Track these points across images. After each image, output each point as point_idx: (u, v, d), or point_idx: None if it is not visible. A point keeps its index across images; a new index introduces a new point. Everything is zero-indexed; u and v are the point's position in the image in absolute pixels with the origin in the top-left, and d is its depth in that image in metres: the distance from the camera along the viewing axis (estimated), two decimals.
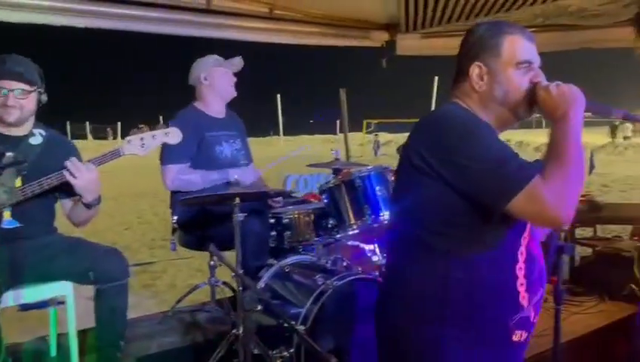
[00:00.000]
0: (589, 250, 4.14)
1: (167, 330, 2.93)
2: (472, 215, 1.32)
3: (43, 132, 2.38)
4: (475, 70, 1.42)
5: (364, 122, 28.40)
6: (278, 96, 40.00)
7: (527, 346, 1.47)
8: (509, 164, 1.25)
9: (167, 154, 2.77)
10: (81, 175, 2.12)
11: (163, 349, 2.72)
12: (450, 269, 1.34)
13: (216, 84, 2.94)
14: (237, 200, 2.15)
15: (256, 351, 2.22)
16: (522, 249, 1.37)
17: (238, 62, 3.00)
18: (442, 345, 1.35)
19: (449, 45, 5.12)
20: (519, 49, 1.41)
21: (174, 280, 5.83)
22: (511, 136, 27.73)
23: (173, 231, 2.87)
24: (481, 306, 1.34)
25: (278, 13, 4.27)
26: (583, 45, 4.89)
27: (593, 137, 25.26)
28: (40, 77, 2.32)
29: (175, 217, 2.84)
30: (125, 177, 16.63)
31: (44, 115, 2.43)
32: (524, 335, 1.40)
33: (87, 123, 42.41)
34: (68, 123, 40.97)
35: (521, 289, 1.36)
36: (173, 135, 2.27)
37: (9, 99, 2.20)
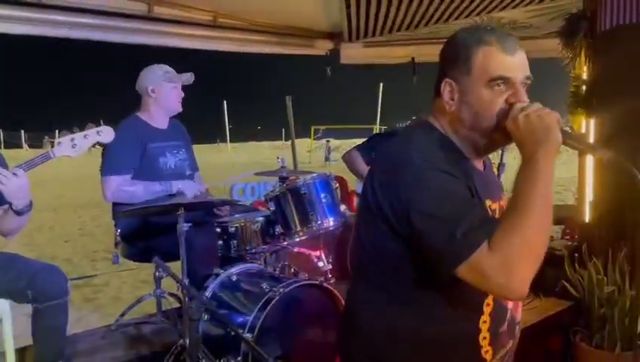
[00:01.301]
0: None
1: (110, 344, 2.86)
2: (426, 265, 1.14)
3: None
4: (445, 88, 1.22)
5: (312, 128, 28.55)
6: (225, 102, 39.76)
7: None
8: (457, 228, 1.05)
9: (108, 164, 2.72)
10: (9, 181, 2.04)
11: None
12: (402, 315, 1.22)
13: (162, 98, 2.89)
14: (181, 210, 2.14)
15: (204, 361, 2.22)
16: (489, 300, 1.21)
17: (189, 78, 2.96)
18: None
19: (391, 54, 5.30)
20: (493, 63, 1.17)
21: (118, 293, 5.67)
22: None
23: (116, 243, 2.81)
24: (435, 359, 1.22)
25: (221, 22, 4.28)
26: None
27: None
28: None
29: (118, 230, 2.78)
30: (66, 188, 16.07)
31: None
32: None
33: (22, 131, 40.72)
34: (0, 131, 39.17)
35: (484, 342, 1.22)
36: (105, 134, 2.19)
37: None
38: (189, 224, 2.26)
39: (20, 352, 2.41)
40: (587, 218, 3.51)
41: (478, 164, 1.30)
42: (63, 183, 17.22)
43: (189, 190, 2.72)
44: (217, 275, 2.40)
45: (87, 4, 3.56)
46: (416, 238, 1.12)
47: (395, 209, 1.15)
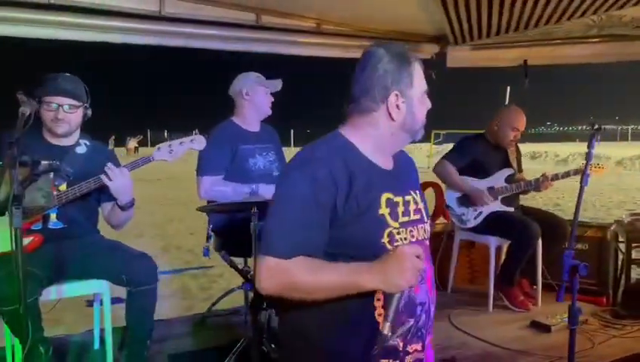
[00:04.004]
0: None
1: (200, 331, 3.10)
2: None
3: (87, 142, 2.65)
4: (392, 99, 1.44)
5: (433, 133, 27.85)
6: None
7: None
8: (277, 229, 1.37)
9: (203, 165, 2.95)
10: (116, 178, 2.35)
11: (193, 349, 2.88)
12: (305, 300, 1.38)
13: (256, 100, 3.07)
14: (254, 208, 2.26)
15: (274, 354, 2.33)
16: None
17: (278, 84, 3.13)
18: None
19: (500, 57, 5.06)
20: (421, 78, 1.49)
21: (229, 284, 6.04)
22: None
23: (208, 237, 3.03)
24: (342, 333, 1.39)
25: (325, 28, 4.39)
26: None
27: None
28: (87, 94, 2.57)
29: (210, 225, 3.00)
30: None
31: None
32: None
33: (166, 131, 44.54)
34: (148, 130, 43.18)
35: (380, 319, 1.37)
36: (198, 142, 2.47)
37: (59, 113, 2.46)
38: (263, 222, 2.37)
39: (117, 330, 2.70)
40: None
41: (386, 164, 1.53)
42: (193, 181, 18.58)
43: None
44: None
45: (202, 16, 3.85)
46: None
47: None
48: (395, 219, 1.43)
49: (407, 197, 1.50)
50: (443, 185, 3.98)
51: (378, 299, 1.37)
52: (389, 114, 1.45)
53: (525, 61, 4.96)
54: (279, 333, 1.60)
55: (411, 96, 1.46)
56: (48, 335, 2.35)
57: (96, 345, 2.85)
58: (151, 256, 2.54)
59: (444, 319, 3.40)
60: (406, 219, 1.46)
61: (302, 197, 1.35)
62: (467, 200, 3.70)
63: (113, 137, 32.08)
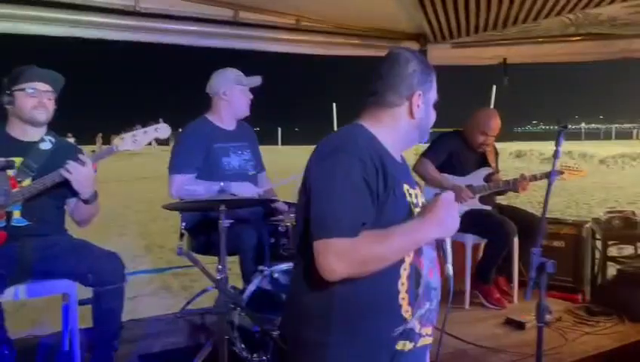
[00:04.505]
0: None
1: (174, 331, 3.07)
2: None
3: (53, 139, 2.59)
4: (415, 97, 1.55)
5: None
6: (334, 105, 40.03)
7: (425, 353, 1.60)
8: (335, 211, 1.36)
9: (174, 164, 2.91)
10: (76, 171, 2.30)
11: (165, 349, 2.85)
12: (334, 283, 1.41)
13: (234, 101, 3.02)
14: (222, 207, 2.23)
15: (244, 354, 2.31)
16: (405, 265, 1.46)
17: (257, 80, 3.08)
18: (329, 356, 1.43)
19: (480, 55, 5.07)
20: (436, 89, 1.64)
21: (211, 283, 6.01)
22: (573, 148, 26.62)
23: (181, 235, 2.98)
24: (364, 318, 1.43)
25: (304, 25, 4.36)
26: (625, 55, 4.71)
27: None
28: (61, 83, 2.54)
29: (183, 223, 2.96)
30: None
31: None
32: (410, 345, 1.48)
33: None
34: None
35: (403, 302, 1.45)
36: (162, 130, 2.42)
37: (42, 98, 2.43)
38: (231, 221, 2.35)
39: (83, 332, 2.64)
40: None
41: (398, 158, 1.62)
42: None
43: (246, 192, 2.81)
44: (262, 272, 2.47)
45: (178, 11, 3.80)
46: (311, 211, 1.41)
47: (311, 187, 1.44)
48: (416, 207, 1.54)
49: (416, 191, 1.60)
50: (422, 183, 3.98)
51: (402, 284, 1.45)
52: (411, 111, 1.56)
53: (505, 59, 4.98)
54: (284, 329, 1.63)
55: (429, 100, 1.60)
56: (22, 336, 2.30)
57: (66, 346, 2.79)
58: (119, 256, 2.50)
59: None
60: (417, 210, 1.55)
61: (352, 176, 1.39)
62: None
63: (100, 135, 31.76)
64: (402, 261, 1.45)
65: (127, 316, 3.53)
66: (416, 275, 1.48)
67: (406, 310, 1.45)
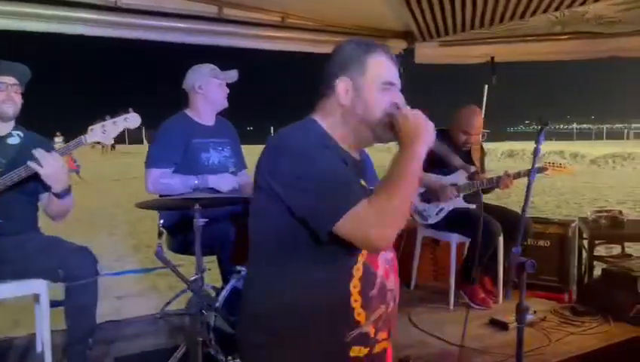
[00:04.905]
0: None
1: (154, 332, 3.02)
2: (302, 233, 1.34)
3: (21, 133, 2.53)
4: (341, 84, 1.45)
5: None
6: None
7: (382, 358, 1.49)
8: (337, 189, 1.28)
9: (150, 158, 2.85)
10: (46, 164, 2.23)
11: (142, 351, 2.79)
12: (283, 284, 1.38)
13: (210, 94, 2.99)
14: (196, 205, 2.18)
15: (220, 357, 2.26)
16: (358, 266, 1.38)
17: (233, 75, 3.04)
18: (274, 358, 1.38)
19: (468, 53, 5.04)
20: (384, 70, 1.47)
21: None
22: (565, 148, 26.71)
23: (160, 234, 2.93)
24: (313, 321, 1.36)
25: (290, 22, 4.32)
26: (613, 54, 4.69)
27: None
28: (27, 76, 2.48)
29: (161, 221, 2.90)
30: None
31: None
32: (365, 350, 1.41)
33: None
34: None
35: (356, 305, 1.37)
36: (132, 120, 2.34)
37: (10, 92, 2.37)
38: (206, 219, 2.30)
39: (59, 333, 2.59)
40: None
41: (355, 154, 1.53)
42: None
43: (224, 184, 2.77)
44: (239, 272, 2.42)
45: (160, 7, 3.74)
46: (302, 206, 1.31)
47: (282, 184, 1.34)
48: None
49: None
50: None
51: (355, 286, 1.36)
52: (338, 99, 1.46)
53: (492, 58, 4.95)
54: (237, 333, 1.55)
55: (362, 84, 1.44)
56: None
57: (39, 348, 2.73)
58: (90, 250, 2.43)
59: (404, 317, 3.36)
60: None
61: (329, 163, 1.33)
62: (429, 195, 3.67)
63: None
64: (354, 261, 1.37)
65: (114, 316, 3.49)
66: (370, 276, 1.40)
67: (359, 313, 1.37)
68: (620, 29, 4.02)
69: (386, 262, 1.45)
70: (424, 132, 1.39)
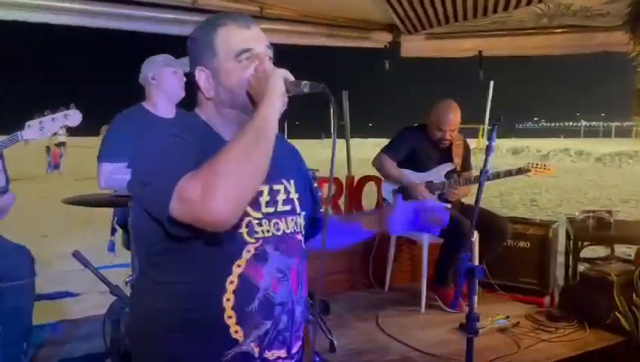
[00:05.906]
0: None
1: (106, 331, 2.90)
2: (165, 239, 1.19)
3: None
4: (200, 76, 1.30)
5: None
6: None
7: None
8: (168, 173, 1.11)
9: (103, 152, 2.73)
10: None
11: (89, 352, 2.69)
12: (153, 297, 1.26)
13: (163, 84, 2.86)
14: (130, 203, 2.06)
15: None
16: (232, 277, 1.22)
17: (187, 62, 2.91)
18: None
19: (455, 47, 4.88)
20: (233, 39, 1.26)
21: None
22: (571, 145, 26.43)
23: (113, 231, 2.82)
24: (185, 340, 1.22)
25: (268, 13, 4.19)
26: (604, 48, 4.53)
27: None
28: None
29: (115, 217, 2.80)
30: None
31: None
32: None
33: None
34: None
35: (230, 321, 1.22)
36: (72, 117, 2.19)
37: None
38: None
39: None
40: None
41: None
42: None
43: None
44: None
45: None
46: (144, 201, 1.18)
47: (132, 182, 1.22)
48: (257, 209, 1.27)
49: (277, 186, 1.34)
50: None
51: (228, 300, 1.22)
52: (203, 92, 1.31)
53: (480, 52, 4.79)
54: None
55: (217, 67, 1.27)
56: None
57: None
58: (28, 249, 2.33)
59: (371, 320, 3.24)
60: (271, 210, 1.31)
61: (167, 150, 1.19)
62: (403, 193, 3.53)
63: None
64: (228, 271, 1.22)
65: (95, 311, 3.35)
66: (248, 289, 1.23)
67: (235, 330, 1.22)
68: (609, 22, 3.86)
69: (276, 272, 1.28)
70: (267, 85, 1.19)
